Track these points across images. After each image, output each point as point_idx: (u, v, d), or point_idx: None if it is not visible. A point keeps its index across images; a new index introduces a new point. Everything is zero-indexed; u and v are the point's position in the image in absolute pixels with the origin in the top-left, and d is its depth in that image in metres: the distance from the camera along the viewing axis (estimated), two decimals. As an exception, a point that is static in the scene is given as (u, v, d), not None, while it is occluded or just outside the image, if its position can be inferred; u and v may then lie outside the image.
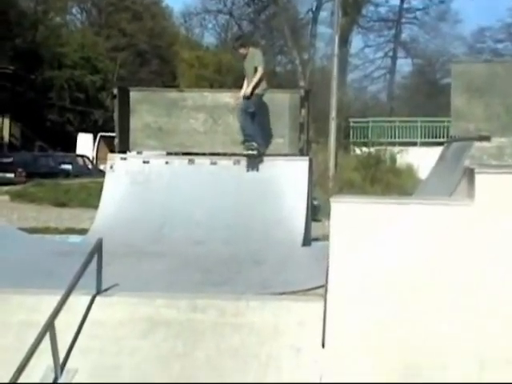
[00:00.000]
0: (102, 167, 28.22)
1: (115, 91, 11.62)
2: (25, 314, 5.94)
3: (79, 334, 5.79)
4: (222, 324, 5.83)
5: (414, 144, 32.74)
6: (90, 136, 38.26)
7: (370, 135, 31.99)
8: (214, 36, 54.52)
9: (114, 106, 11.52)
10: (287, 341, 5.65)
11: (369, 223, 5.65)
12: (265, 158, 10.59)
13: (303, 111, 11.05)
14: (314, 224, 10.86)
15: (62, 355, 5.52)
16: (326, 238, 6.26)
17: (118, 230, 9.75)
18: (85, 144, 37.57)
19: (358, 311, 5.49)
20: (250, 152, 10.49)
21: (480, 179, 5.56)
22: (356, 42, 64.55)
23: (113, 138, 11.66)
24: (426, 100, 44.31)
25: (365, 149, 28.01)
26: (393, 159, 28.07)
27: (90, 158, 36.01)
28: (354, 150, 29.83)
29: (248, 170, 10.57)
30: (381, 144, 28.26)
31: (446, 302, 5.45)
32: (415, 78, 54.25)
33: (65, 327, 5.60)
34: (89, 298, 6.05)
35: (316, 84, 35.33)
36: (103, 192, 10.82)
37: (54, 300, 5.50)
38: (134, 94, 11.63)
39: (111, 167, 10.99)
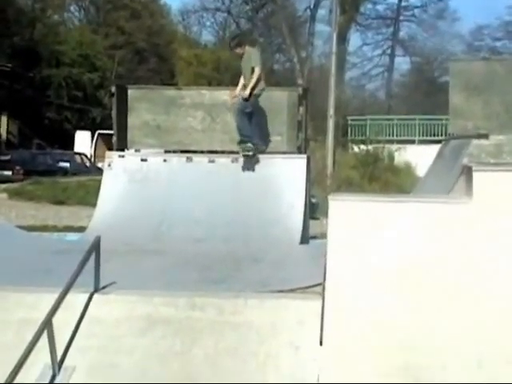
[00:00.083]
0: (100, 165, 28.16)
1: (113, 89, 11.62)
2: (23, 311, 5.94)
3: (77, 331, 5.78)
4: (220, 322, 5.82)
5: (412, 142, 32.76)
6: (87, 134, 38.23)
7: (368, 133, 32.01)
8: (212, 34, 54.64)
9: (112, 103, 11.53)
10: (285, 339, 5.65)
11: (367, 221, 5.65)
12: (263, 156, 10.59)
13: (301, 109, 11.06)
14: (312, 222, 10.86)
15: (59, 353, 5.51)
16: (324, 236, 6.24)
17: (116, 227, 9.75)
18: (83, 142, 37.55)
19: (356, 309, 5.49)
20: (246, 153, 10.50)
21: (478, 177, 5.57)
22: (354, 39, 64.59)
23: (111, 135, 11.66)
24: (424, 98, 44.35)
25: (363, 147, 28.06)
26: (391, 157, 28.11)
27: (88, 156, 35.98)
28: (352, 148, 29.86)
29: (245, 169, 10.57)
30: (379, 142, 28.30)
31: (444, 300, 5.45)
32: (413, 76, 54.29)
33: (63, 325, 5.60)
34: (87, 295, 6.05)
35: (314, 82, 35.36)
36: (101, 190, 10.81)
37: (52, 298, 5.50)
38: (132, 92, 11.63)
39: (109, 165, 10.98)
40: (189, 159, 10.87)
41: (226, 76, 38.75)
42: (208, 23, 53.44)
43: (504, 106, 9.29)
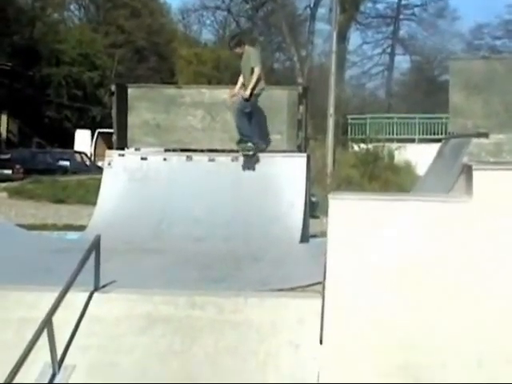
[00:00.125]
0: (99, 164, 28.16)
1: (113, 88, 11.62)
2: (23, 310, 5.94)
3: (77, 330, 5.78)
4: (220, 321, 5.83)
5: (412, 141, 32.75)
6: (87, 132, 38.21)
7: (368, 132, 32.02)
8: (212, 33, 54.61)
9: (112, 102, 11.53)
10: (285, 337, 5.65)
11: (367, 220, 5.65)
12: (263, 155, 10.59)
13: (301, 108, 11.06)
14: (312, 221, 10.86)
15: (59, 352, 5.52)
16: (324, 234, 6.25)
17: (116, 226, 9.75)
18: (83, 141, 37.52)
19: (357, 308, 5.49)
20: (246, 153, 10.51)
21: (478, 176, 5.56)
22: (354, 38, 64.45)
23: (111, 134, 11.66)
24: (424, 97, 44.33)
25: (363, 145, 28.07)
26: (391, 156, 28.11)
27: (88, 155, 35.97)
28: (352, 147, 29.87)
29: (246, 168, 10.57)
30: (379, 141, 28.31)
31: (444, 298, 5.45)
32: (413, 75, 54.27)
33: (63, 324, 5.60)
34: (87, 294, 6.05)
35: (314, 81, 35.34)
36: (101, 189, 10.81)
37: (52, 297, 5.50)
38: (132, 91, 11.63)
39: (109, 164, 10.99)
40: (189, 158, 10.87)
41: (226, 75, 38.72)
42: (208, 22, 53.47)
43: (504, 104, 9.28)
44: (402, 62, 73.43)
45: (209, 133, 11.39)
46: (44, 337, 5.20)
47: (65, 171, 30.15)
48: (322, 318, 5.54)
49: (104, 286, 6.25)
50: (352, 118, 35.07)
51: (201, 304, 5.96)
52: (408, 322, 5.43)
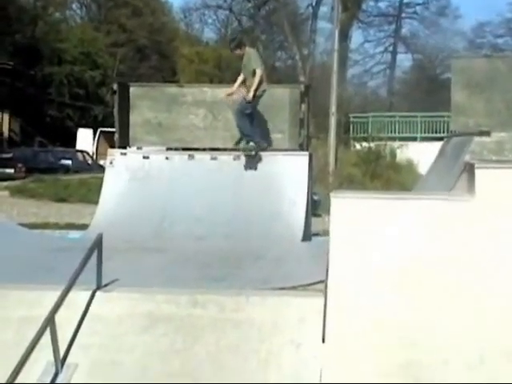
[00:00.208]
0: (101, 162, 28.22)
1: (115, 87, 11.62)
2: (25, 309, 5.94)
3: (79, 329, 5.79)
4: (221, 320, 5.83)
5: (414, 139, 32.75)
6: (89, 131, 38.25)
7: (370, 130, 32.03)
8: (214, 31, 54.60)
9: (114, 101, 11.52)
10: (287, 336, 5.64)
11: (369, 218, 5.65)
12: (265, 154, 10.59)
13: (303, 106, 11.05)
14: (314, 219, 10.87)
15: (62, 350, 5.52)
16: (326, 233, 6.26)
17: (118, 225, 9.75)
18: (85, 139, 37.57)
19: (358, 306, 5.49)
20: (248, 153, 10.51)
21: (480, 174, 5.56)
22: (356, 37, 64.50)
23: (113, 133, 11.66)
24: (426, 95, 44.28)
25: (365, 144, 28.08)
26: (393, 154, 28.13)
27: (90, 154, 36.00)
28: (354, 146, 29.89)
29: (248, 166, 10.57)
30: (381, 139, 28.33)
31: (446, 297, 5.45)
32: (415, 73, 54.25)
33: (65, 322, 5.60)
34: (89, 293, 6.05)
35: (316, 79, 35.34)
36: (103, 187, 10.81)
37: (54, 295, 5.50)
38: (134, 90, 11.63)
39: (111, 163, 10.99)
40: (191, 157, 10.86)
41: (228, 73, 38.68)
42: (210, 21, 53.46)
43: (506, 103, 9.28)
44: (404, 60, 73.34)
45: (211, 131, 11.39)
46: (46, 335, 5.20)
47: (67, 170, 30.18)
48: (324, 316, 5.54)
49: (106, 285, 6.25)
50: (354, 117, 35.08)
51: (202, 303, 5.96)
52: (410, 320, 5.43)
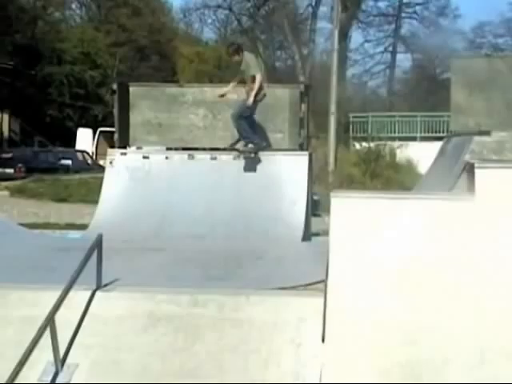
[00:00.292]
0: (101, 162, 28.18)
1: (115, 86, 11.63)
2: (25, 309, 5.94)
3: (79, 328, 5.79)
4: (222, 319, 5.83)
5: (414, 139, 32.76)
6: (89, 131, 38.19)
7: (369, 130, 32.04)
8: (214, 31, 54.52)
9: (114, 101, 11.53)
10: (287, 336, 5.65)
11: (369, 218, 5.65)
12: (265, 153, 10.60)
13: (303, 106, 11.06)
14: (313, 219, 10.87)
15: (62, 350, 5.52)
16: (326, 233, 6.25)
17: (118, 225, 9.76)
18: (84, 139, 37.50)
19: (359, 306, 5.49)
20: (247, 155, 10.52)
21: (480, 174, 5.56)
22: (356, 36, 64.44)
23: (112, 133, 11.67)
24: (426, 95, 44.30)
25: (365, 144, 28.09)
26: (392, 154, 28.14)
27: (90, 154, 35.96)
28: (354, 145, 29.91)
29: (248, 166, 10.58)
30: (380, 139, 28.33)
31: (446, 296, 5.45)
32: (415, 73, 54.21)
33: (65, 322, 5.60)
34: (89, 293, 6.05)
35: (316, 79, 35.34)
36: (103, 187, 10.82)
37: (54, 295, 5.50)
38: (134, 90, 11.64)
39: (111, 162, 10.99)
40: (191, 156, 10.87)
41: (228, 73, 38.67)
42: (209, 20, 53.37)
43: (506, 102, 9.29)
44: (404, 60, 73.21)
45: (211, 131, 11.40)
46: (46, 335, 5.20)
47: (67, 170, 30.14)
48: (324, 316, 5.54)
49: (106, 285, 6.25)
50: (354, 117, 35.09)
51: (202, 302, 5.96)
52: (410, 320, 5.43)
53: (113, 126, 11.61)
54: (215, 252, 8.60)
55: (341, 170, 25.17)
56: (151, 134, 11.50)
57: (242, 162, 10.60)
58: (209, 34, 54.63)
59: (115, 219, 10.02)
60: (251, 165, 10.55)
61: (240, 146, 10.75)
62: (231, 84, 10.77)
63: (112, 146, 11.49)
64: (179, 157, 10.97)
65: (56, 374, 5.44)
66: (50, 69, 42.88)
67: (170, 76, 44.92)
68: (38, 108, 41.17)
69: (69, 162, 32.77)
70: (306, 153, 10.77)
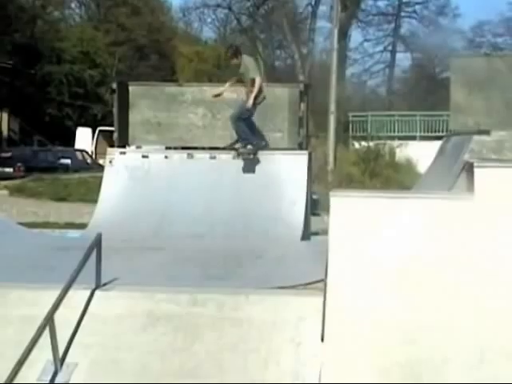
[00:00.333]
0: (101, 162, 28.18)
1: (114, 86, 11.64)
2: (24, 308, 5.94)
3: (79, 328, 5.78)
4: (221, 318, 5.83)
5: (414, 138, 32.77)
6: (88, 130, 38.18)
7: (369, 129, 32.04)
8: (213, 30, 54.50)
9: (113, 100, 11.54)
10: (287, 335, 5.64)
11: (368, 217, 5.65)
12: (264, 153, 10.60)
13: (302, 105, 11.07)
14: (313, 218, 10.87)
15: (61, 349, 5.52)
16: (325, 232, 6.25)
17: (118, 224, 9.76)
18: (84, 139, 37.50)
19: (358, 305, 5.49)
20: (246, 156, 10.52)
21: (479, 173, 5.56)
22: (355, 36, 64.22)
23: (112, 132, 11.66)
24: (426, 94, 44.30)
25: (364, 143, 28.09)
26: (392, 153, 28.14)
27: (89, 153, 35.95)
28: (354, 145, 29.92)
29: (247, 165, 10.58)
30: (380, 138, 28.34)
31: (445, 295, 5.44)
32: (414, 73, 54.19)
33: (64, 321, 5.59)
34: (88, 292, 6.05)
35: (315, 78, 35.33)
36: (102, 186, 10.82)
37: (53, 294, 5.50)
38: (133, 89, 11.64)
39: (110, 162, 10.99)
40: (190, 156, 10.87)
41: (227, 73, 38.63)
42: (209, 20, 53.36)
43: (505, 101, 9.29)
44: (403, 59, 73.14)
45: (210, 130, 11.40)
46: (46, 334, 5.20)
47: (66, 169, 30.14)
48: (324, 315, 5.54)
49: (105, 284, 6.25)
50: (353, 116, 35.10)
51: (202, 301, 5.96)
52: (409, 319, 5.43)
53: (112, 125, 11.61)
54: (214, 251, 8.59)
55: (340, 170, 25.18)
56: (150, 133, 11.50)
57: (241, 162, 10.60)
58: (208, 33, 54.67)
59: (114, 218, 10.02)
60: (250, 164, 10.55)
61: (239, 146, 10.74)
62: (227, 84, 10.78)
63: (111, 145, 11.49)
64: (178, 156, 10.97)
65: (55, 374, 5.44)
66: (50, 68, 42.86)
67: (169, 75, 44.90)
68: (38, 107, 41.15)
69: (68, 161, 32.78)
70: (306, 152, 10.77)
